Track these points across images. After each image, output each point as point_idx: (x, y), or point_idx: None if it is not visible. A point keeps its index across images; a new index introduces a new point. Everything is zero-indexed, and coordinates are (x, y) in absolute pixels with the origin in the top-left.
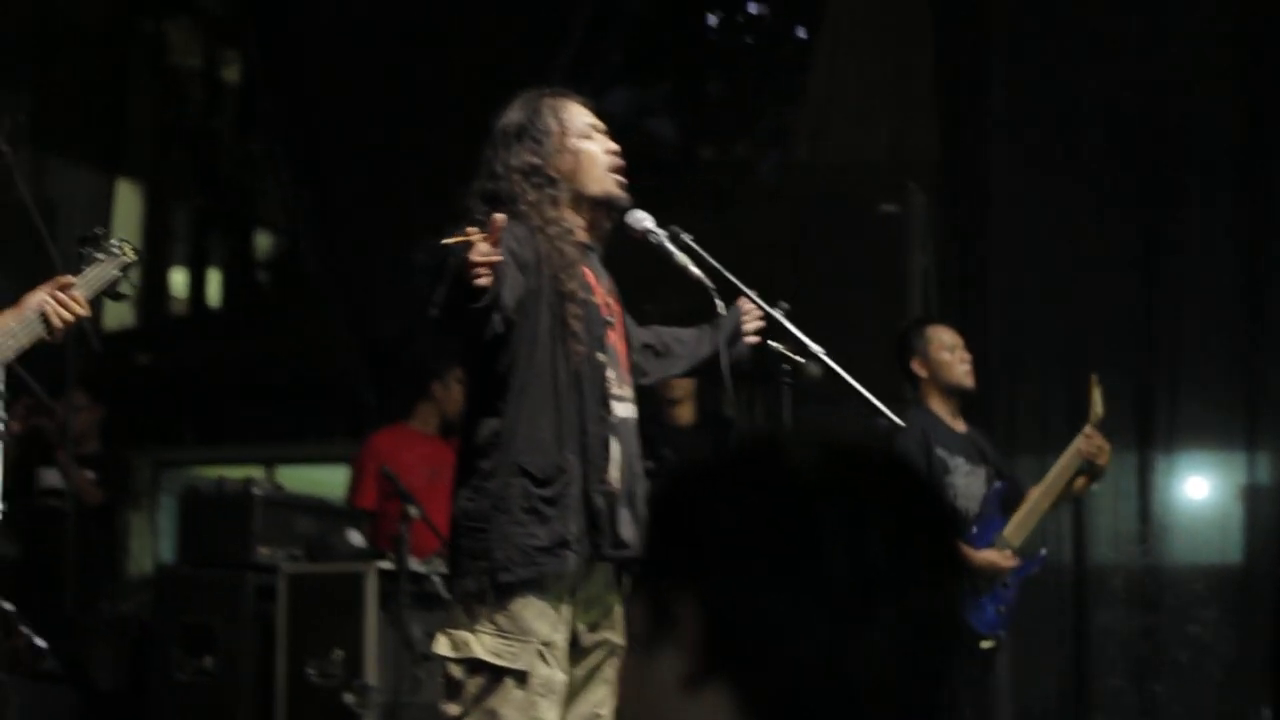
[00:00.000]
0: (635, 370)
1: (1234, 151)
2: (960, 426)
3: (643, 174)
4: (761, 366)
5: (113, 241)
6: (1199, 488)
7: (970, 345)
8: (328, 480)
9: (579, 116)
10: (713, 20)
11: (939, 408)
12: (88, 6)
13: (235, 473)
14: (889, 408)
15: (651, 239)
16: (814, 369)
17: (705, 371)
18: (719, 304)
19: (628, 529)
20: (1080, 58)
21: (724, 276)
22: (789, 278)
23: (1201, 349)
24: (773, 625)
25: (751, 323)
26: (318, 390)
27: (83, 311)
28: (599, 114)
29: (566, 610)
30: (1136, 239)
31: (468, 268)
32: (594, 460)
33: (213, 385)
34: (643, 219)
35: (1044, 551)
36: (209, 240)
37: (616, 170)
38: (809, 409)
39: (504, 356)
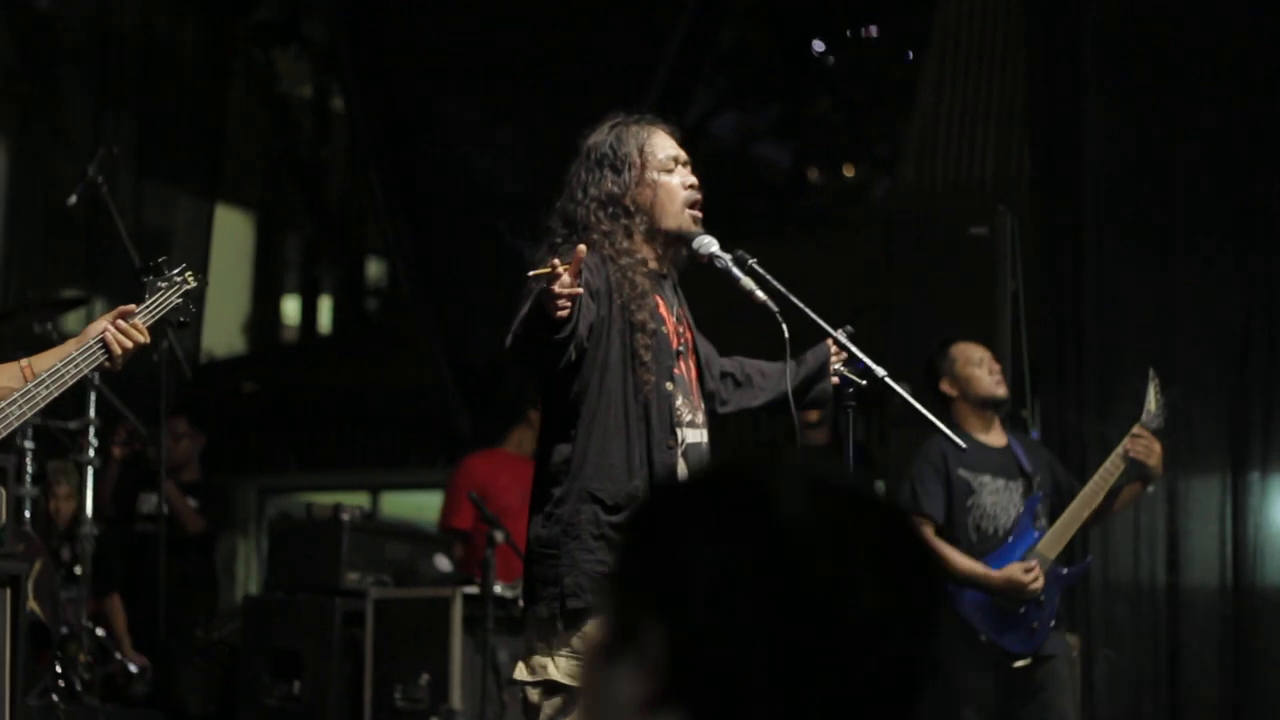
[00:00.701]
0: (714, 398)
1: None
2: (997, 440)
3: (751, 197)
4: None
5: (175, 270)
6: None
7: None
8: (431, 505)
9: (662, 148)
10: (819, 46)
11: (972, 425)
12: (196, 36)
13: (338, 499)
14: None
15: (717, 264)
16: (903, 392)
17: (784, 407)
18: (785, 328)
19: None
20: (1174, 80)
21: (790, 300)
22: (884, 300)
23: None
24: (740, 663)
25: (839, 363)
26: (420, 417)
27: (142, 339)
28: (690, 140)
29: None
30: (1230, 261)
31: (550, 300)
32: None
33: (319, 412)
34: (709, 244)
35: (1090, 559)
36: (319, 268)
37: (694, 204)
38: (894, 432)
39: (575, 383)
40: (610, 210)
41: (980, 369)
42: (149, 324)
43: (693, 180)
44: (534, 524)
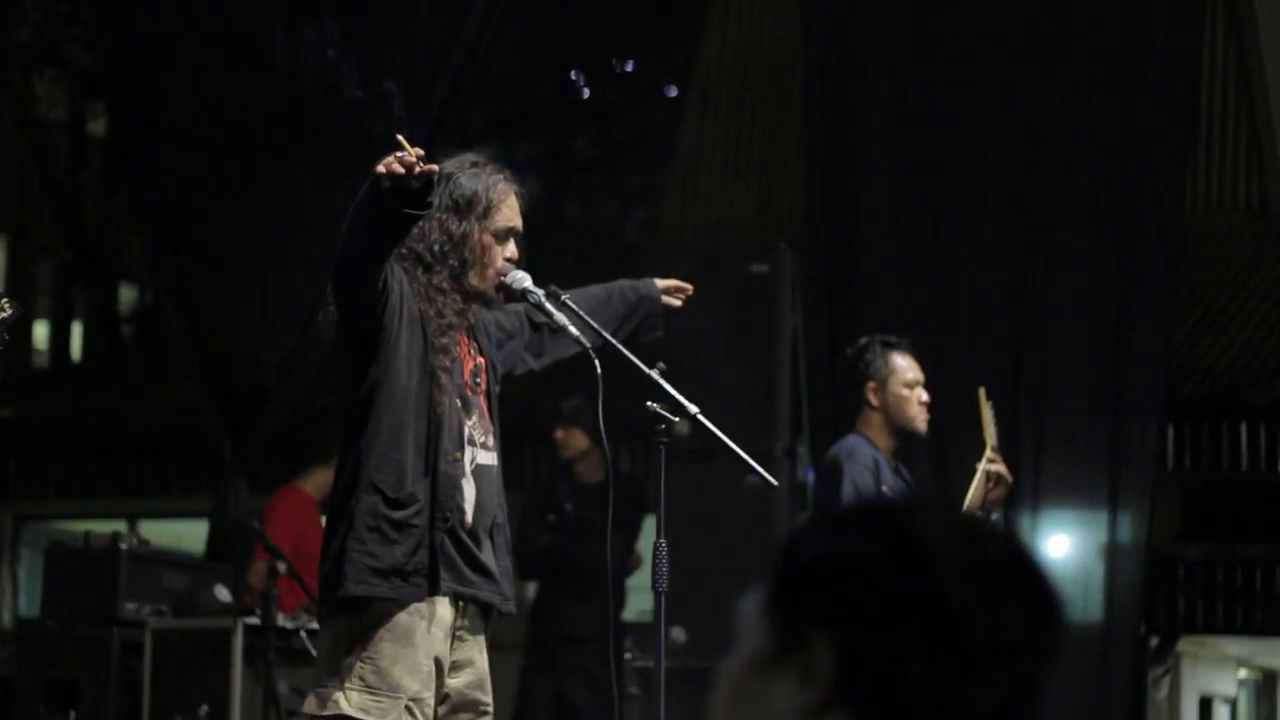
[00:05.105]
0: (528, 354)
1: (1097, 212)
2: (894, 463)
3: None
4: (639, 425)
5: None
6: (1061, 546)
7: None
8: (190, 534)
9: (505, 216)
10: (580, 78)
11: (880, 441)
12: None
13: (97, 526)
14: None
15: (530, 298)
16: (683, 427)
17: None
18: (596, 363)
19: (478, 568)
20: (949, 113)
21: (601, 334)
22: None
23: (1065, 407)
24: (903, 674)
25: (672, 299)
26: (180, 444)
27: None
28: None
29: (431, 663)
30: (1002, 298)
31: (405, 165)
32: (442, 499)
33: (75, 439)
34: (521, 279)
35: None
36: (72, 294)
37: (503, 273)
38: (678, 467)
39: (372, 372)
40: (444, 247)
41: (911, 393)
42: None
43: (515, 255)
44: (326, 528)
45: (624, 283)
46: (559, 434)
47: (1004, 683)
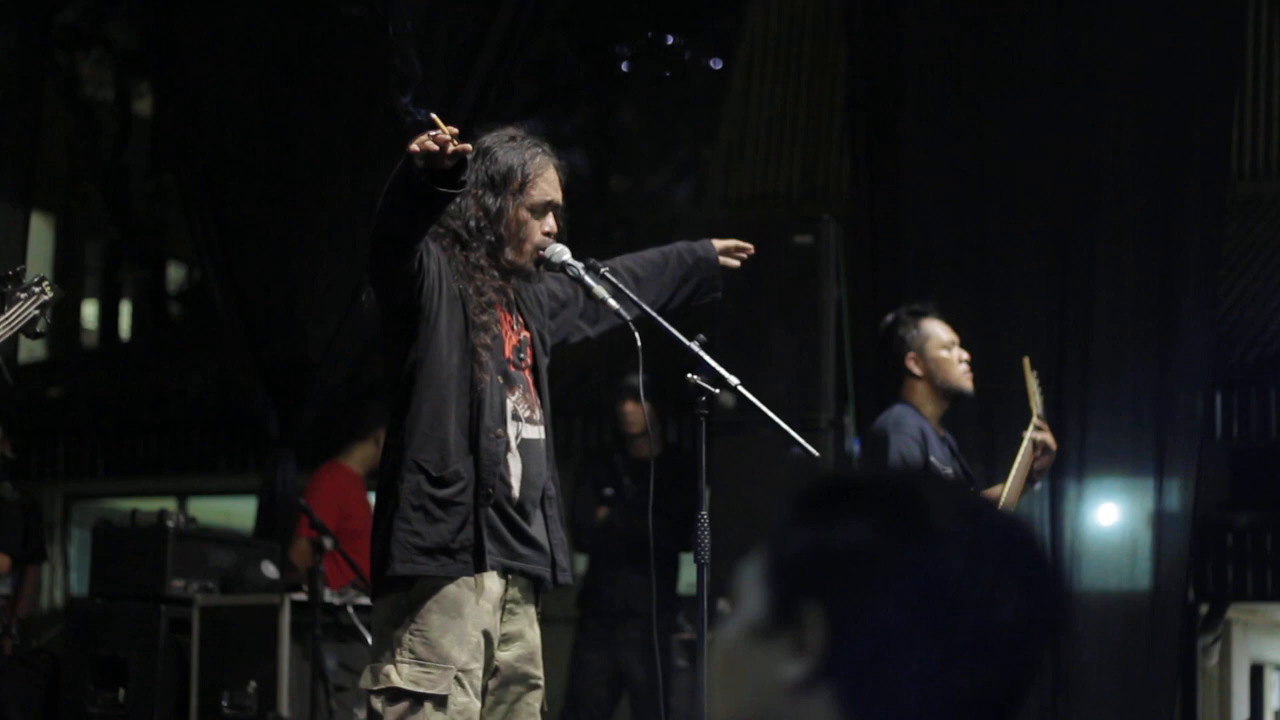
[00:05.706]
0: (583, 321)
1: (1143, 180)
2: (942, 432)
3: None
4: (680, 397)
5: (32, 279)
6: (1109, 514)
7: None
8: (239, 511)
9: (543, 191)
10: (624, 52)
11: (929, 411)
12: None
13: (146, 505)
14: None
15: (569, 271)
16: (727, 399)
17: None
18: (637, 336)
19: (527, 541)
20: (990, 87)
21: (640, 306)
22: (701, 309)
23: (1112, 375)
24: (892, 650)
25: (731, 259)
26: (228, 422)
27: None
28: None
29: (480, 635)
30: (1047, 264)
31: (439, 143)
32: (485, 476)
33: (124, 417)
34: (560, 252)
35: None
36: (120, 273)
37: (541, 247)
38: (719, 439)
39: (412, 352)
40: (480, 224)
41: (950, 353)
42: (7, 335)
43: (554, 229)
44: (376, 508)
45: (681, 245)
46: (628, 407)
47: (996, 665)
